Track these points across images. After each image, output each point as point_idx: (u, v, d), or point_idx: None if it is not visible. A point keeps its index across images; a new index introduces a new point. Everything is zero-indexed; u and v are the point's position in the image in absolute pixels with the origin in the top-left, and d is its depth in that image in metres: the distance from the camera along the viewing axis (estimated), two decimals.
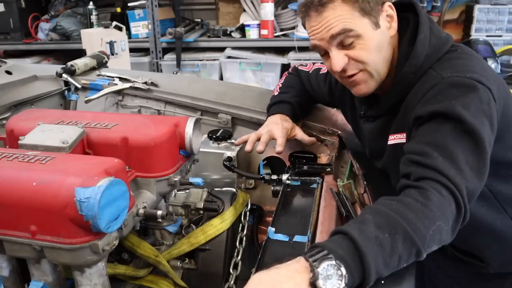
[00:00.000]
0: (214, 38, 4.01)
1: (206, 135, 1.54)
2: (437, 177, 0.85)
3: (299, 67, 1.51)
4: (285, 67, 3.71)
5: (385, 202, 0.85)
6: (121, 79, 1.82)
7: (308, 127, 1.52)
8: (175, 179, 1.14)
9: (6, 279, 1.00)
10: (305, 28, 1.15)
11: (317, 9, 1.04)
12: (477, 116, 0.92)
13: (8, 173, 0.88)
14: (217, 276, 1.23)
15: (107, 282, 0.96)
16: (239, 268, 1.22)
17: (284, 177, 1.32)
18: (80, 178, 0.83)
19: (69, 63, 1.86)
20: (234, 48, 3.92)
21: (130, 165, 1.07)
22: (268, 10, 3.70)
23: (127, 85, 1.78)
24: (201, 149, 1.31)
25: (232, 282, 1.19)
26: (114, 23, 3.24)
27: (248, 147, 1.33)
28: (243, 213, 1.32)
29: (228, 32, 3.99)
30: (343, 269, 0.71)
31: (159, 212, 1.03)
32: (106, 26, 3.22)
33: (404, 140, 1.08)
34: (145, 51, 4.06)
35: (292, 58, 3.67)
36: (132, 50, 3.63)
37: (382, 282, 0.81)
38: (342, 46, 1.06)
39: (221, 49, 3.93)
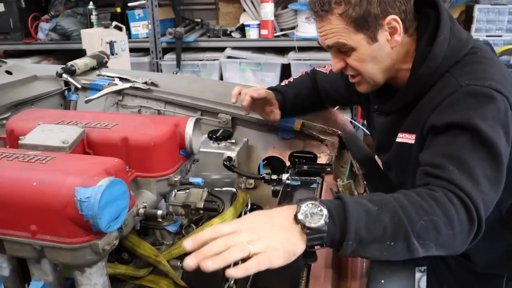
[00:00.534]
0: (214, 38, 4.01)
1: (206, 135, 1.54)
2: (452, 189, 0.85)
3: (318, 69, 1.52)
4: (285, 67, 3.70)
5: (387, 193, 0.86)
6: (121, 79, 1.82)
7: (308, 127, 1.52)
8: (175, 179, 1.14)
9: (6, 279, 1.00)
10: None
11: (317, 16, 1.08)
12: (494, 127, 0.91)
13: (8, 173, 0.88)
14: (217, 276, 1.23)
15: (107, 282, 0.96)
16: None
17: (284, 177, 1.32)
18: (80, 178, 0.83)
19: (69, 63, 1.86)
20: (234, 48, 3.91)
21: (130, 165, 1.07)
22: (268, 10, 3.70)
23: (127, 85, 1.78)
24: (201, 149, 1.31)
25: (232, 282, 1.19)
26: (114, 23, 3.24)
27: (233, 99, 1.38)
28: (243, 213, 1.32)
29: (228, 32, 3.99)
30: (324, 210, 0.77)
31: (159, 212, 1.03)
32: (106, 26, 3.22)
33: (412, 141, 1.08)
34: (145, 51, 4.06)
35: (292, 58, 3.67)
36: (132, 50, 3.63)
37: (382, 281, 0.81)
38: (340, 51, 1.10)
39: (221, 49, 3.93)
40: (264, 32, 3.80)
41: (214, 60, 3.90)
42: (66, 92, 1.89)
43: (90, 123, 1.14)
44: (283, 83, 1.51)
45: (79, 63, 1.88)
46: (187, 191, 1.33)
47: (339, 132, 1.46)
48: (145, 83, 1.77)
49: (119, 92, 1.82)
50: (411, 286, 0.88)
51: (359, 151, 1.40)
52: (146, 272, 1.19)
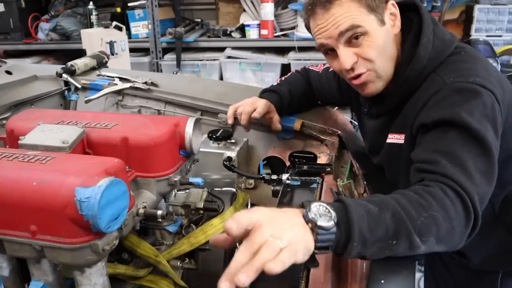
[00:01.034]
0: (214, 38, 4.01)
1: (206, 135, 1.54)
2: (446, 182, 0.85)
3: (309, 67, 1.51)
4: (285, 67, 3.71)
5: (385, 194, 0.86)
6: (121, 79, 1.82)
7: (308, 127, 1.52)
8: (175, 179, 1.14)
9: (6, 279, 1.00)
10: (308, 29, 1.15)
11: (324, 6, 1.04)
12: (481, 121, 0.91)
13: (8, 173, 0.88)
14: (217, 276, 1.22)
15: (107, 282, 0.96)
16: None
17: (284, 177, 1.32)
18: (80, 178, 0.83)
19: (69, 63, 1.86)
20: (234, 48, 3.92)
21: (130, 165, 1.07)
22: (268, 10, 3.70)
23: (127, 85, 1.78)
24: (201, 149, 1.31)
25: None
26: (114, 23, 3.24)
27: (229, 121, 1.43)
28: None
29: (228, 32, 3.99)
30: (332, 212, 0.74)
31: (159, 212, 1.03)
32: (106, 26, 3.22)
33: (402, 141, 1.09)
34: (145, 51, 4.06)
35: (292, 58, 3.67)
36: (132, 50, 3.63)
37: (382, 281, 0.81)
38: (349, 44, 1.06)
39: (221, 49, 3.93)
40: (264, 32, 3.80)
41: (214, 60, 3.90)
42: (66, 92, 1.89)
43: (90, 123, 1.14)
44: (275, 83, 1.52)
45: (79, 63, 1.88)
46: (187, 191, 1.33)
47: (339, 132, 1.46)
48: (145, 83, 1.77)
49: (119, 92, 1.82)
50: (411, 286, 0.88)
51: (359, 151, 1.40)
52: (146, 272, 1.19)
